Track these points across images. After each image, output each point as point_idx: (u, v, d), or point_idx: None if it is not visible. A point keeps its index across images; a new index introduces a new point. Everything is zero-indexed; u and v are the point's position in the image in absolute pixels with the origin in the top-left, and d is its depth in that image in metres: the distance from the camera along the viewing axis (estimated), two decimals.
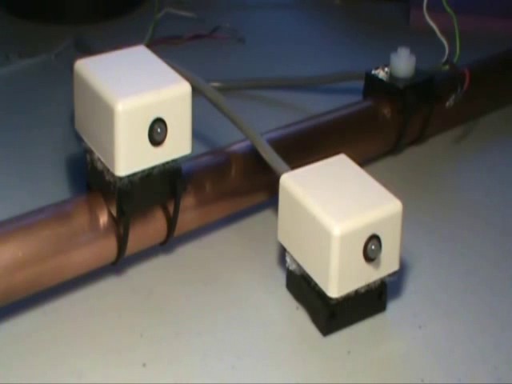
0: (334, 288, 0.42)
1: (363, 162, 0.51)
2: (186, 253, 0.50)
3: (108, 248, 0.45)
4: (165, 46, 0.72)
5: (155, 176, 0.43)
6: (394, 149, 0.58)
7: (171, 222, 0.47)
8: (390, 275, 0.44)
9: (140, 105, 0.41)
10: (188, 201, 0.47)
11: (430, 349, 0.44)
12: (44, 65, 0.70)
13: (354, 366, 0.43)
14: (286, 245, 0.45)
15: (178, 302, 0.46)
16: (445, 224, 0.53)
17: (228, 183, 0.49)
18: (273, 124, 0.54)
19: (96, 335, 0.44)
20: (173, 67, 0.44)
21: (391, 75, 0.57)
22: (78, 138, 0.45)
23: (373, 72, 0.58)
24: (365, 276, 0.43)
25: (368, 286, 0.43)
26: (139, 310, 0.46)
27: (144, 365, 0.42)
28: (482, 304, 0.46)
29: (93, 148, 0.44)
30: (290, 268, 0.45)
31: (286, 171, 0.45)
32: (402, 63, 0.56)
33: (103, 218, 0.45)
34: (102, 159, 0.43)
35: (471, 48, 0.59)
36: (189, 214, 0.48)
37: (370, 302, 0.45)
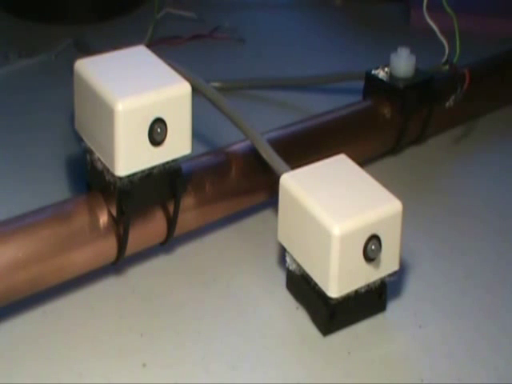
0: (334, 288, 0.42)
1: (363, 161, 0.52)
2: (186, 253, 0.50)
3: (108, 248, 0.45)
4: (165, 46, 0.72)
5: (155, 176, 0.43)
6: (394, 149, 0.58)
7: (171, 222, 0.47)
8: (390, 275, 0.44)
9: (140, 105, 0.41)
10: (188, 201, 0.47)
11: (429, 349, 0.44)
12: (44, 65, 0.70)
13: (354, 366, 0.43)
14: (286, 245, 0.45)
15: (178, 301, 0.46)
16: (444, 224, 0.53)
17: (228, 183, 0.49)
18: (273, 124, 0.54)
19: (96, 335, 0.44)
20: (173, 67, 0.44)
21: (391, 75, 0.57)
22: (78, 138, 0.45)
23: (373, 72, 0.58)
24: (365, 276, 0.43)
25: (368, 286, 0.43)
26: (139, 310, 0.46)
27: (144, 365, 0.42)
28: (481, 304, 0.46)
29: (93, 148, 0.44)
30: (290, 268, 0.45)
31: (286, 171, 0.45)
32: (402, 63, 0.56)
33: (103, 218, 0.45)
34: (102, 159, 0.43)
35: (471, 48, 0.59)
36: (189, 214, 0.48)
37: (370, 301, 0.45)
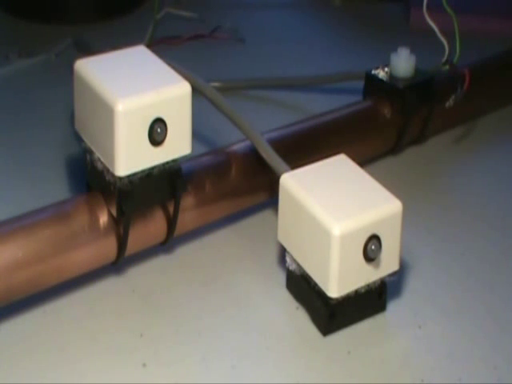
0: (334, 288, 0.42)
1: (363, 161, 0.51)
2: (186, 253, 0.50)
3: (108, 248, 0.45)
4: (165, 46, 0.72)
5: (155, 176, 0.43)
6: (394, 149, 0.58)
7: (171, 222, 0.47)
8: (390, 275, 0.44)
9: (140, 105, 0.41)
10: (188, 201, 0.47)
11: (430, 349, 0.44)
12: (44, 65, 0.70)
13: (354, 366, 0.43)
14: (286, 245, 0.45)
15: (178, 301, 0.46)
16: (445, 224, 0.53)
17: (228, 183, 0.49)
18: (273, 124, 0.54)
19: (96, 335, 0.44)
20: (173, 67, 0.44)
21: (391, 75, 0.57)
22: (78, 138, 0.45)
23: (373, 72, 0.58)
24: (365, 276, 0.43)
25: (368, 285, 0.43)
26: (139, 310, 0.46)
27: (144, 365, 0.42)
28: (481, 304, 0.46)
29: (93, 148, 0.44)
30: (290, 268, 0.45)
31: (286, 171, 0.45)
32: (402, 63, 0.56)
33: (103, 218, 0.45)
34: (102, 159, 0.43)
35: (471, 48, 0.59)
36: (189, 214, 0.48)
37: (370, 301, 0.45)
